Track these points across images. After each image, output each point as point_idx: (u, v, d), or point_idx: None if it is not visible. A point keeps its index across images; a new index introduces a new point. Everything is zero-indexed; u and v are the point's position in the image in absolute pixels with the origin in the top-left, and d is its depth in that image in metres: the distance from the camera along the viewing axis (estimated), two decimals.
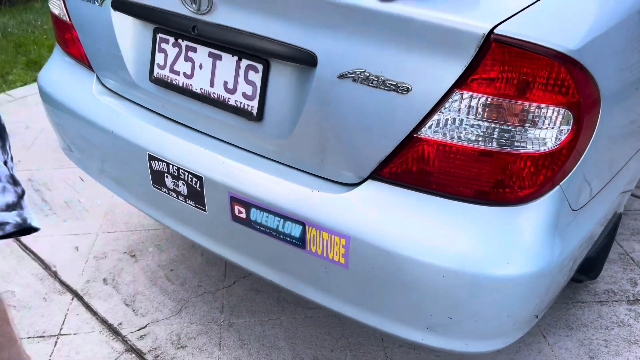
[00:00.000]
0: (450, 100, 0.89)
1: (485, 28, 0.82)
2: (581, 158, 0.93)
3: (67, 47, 1.51)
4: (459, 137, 0.92)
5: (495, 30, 0.82)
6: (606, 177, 1.11)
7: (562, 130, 0.88)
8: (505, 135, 0.90)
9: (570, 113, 0.87)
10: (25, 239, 2.01)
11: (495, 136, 0.90)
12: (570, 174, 0.93)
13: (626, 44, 0.96)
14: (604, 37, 0.90)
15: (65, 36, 1.49)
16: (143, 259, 1.93)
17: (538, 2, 0.89)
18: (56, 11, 1.48)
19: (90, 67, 1.46)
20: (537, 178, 0.91)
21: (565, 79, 0.84)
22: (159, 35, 1.24)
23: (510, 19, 0.84)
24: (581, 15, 0.90)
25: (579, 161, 0.93)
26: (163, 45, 1.24)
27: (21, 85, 3.29)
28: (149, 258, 1.93)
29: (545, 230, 0.94)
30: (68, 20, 1.43)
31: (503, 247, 0.93)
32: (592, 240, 1.18)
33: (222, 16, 1.09)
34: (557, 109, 0.86)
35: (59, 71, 1.55)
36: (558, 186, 0.93)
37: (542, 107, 0.86)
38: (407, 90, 0.91)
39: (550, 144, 0.89)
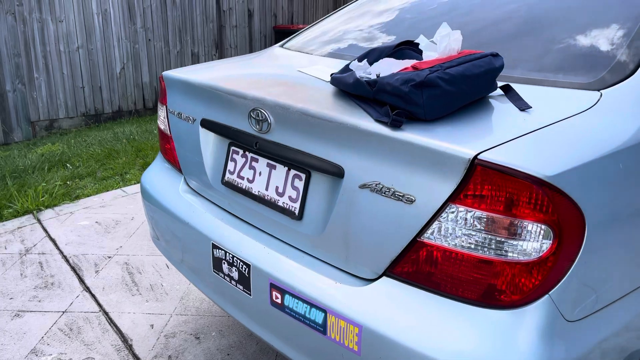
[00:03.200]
0: (446, 211, 1.05)
1: (470, 154, 1.00)
2: (569, 271, 1.02)
3: (166, 154, 1.88)
4: (455, 244, 1.06)
5: (479, 156, 0.99)
6: (618, 292, 1.16)
7: (544, 243, 0.99)
8: (497, 245, 1.02)
9: (549, 229, 0.98)
10: (112, 313, 2.31)
11: (486, 245, 1.03)
12: (558, 285, 1.02)
13: (618, 175, 1.08)
14: (590, 166, 1.03)
15: (166, 146, 1.86)
16: (206, 341, 2.12)
17: (529, 134, 1.05)
18: (162, 126, 1.87)
19: (180, 171, 1.79)
20: (525, 285, 1.01)
21: (542, 199, 0.97)
22: (232, 147, 1.54)
23: (495, 148, 1.01)
24: (567, 145, 1.04)
25: (567, 274, 1.02)
26: (234, 155, 1.54)
27: (134, 183, 3.84)
28: (211, 341, 2.12)
29: (538, 336, 1.01)
30: (169, 133, 1.81)
31: (497, 347, 1.02)
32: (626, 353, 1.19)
33: (278, 135, 1.37)
34: (538, 224, 0.99)
35: (157, 173, 1.91)
36: (547, 295, 1.01)
37: (525, 223, 0.99)
38: (412, 201, 1.09)
39: (534, 255, 1.00)
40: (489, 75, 1.18)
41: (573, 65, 1.36)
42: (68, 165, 4.15)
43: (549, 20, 1.51)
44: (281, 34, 7.42)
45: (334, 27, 2.12)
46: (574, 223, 1.00)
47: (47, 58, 5.37)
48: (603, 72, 1.29)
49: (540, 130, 1.07)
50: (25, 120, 5.29)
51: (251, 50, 7.47)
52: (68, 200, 3.48)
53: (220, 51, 7.04)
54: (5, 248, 2.88)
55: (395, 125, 1.10)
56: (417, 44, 1.37)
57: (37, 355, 2.05)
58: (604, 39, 1.40)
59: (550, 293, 1.02)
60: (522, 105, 1.17)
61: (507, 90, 1.25)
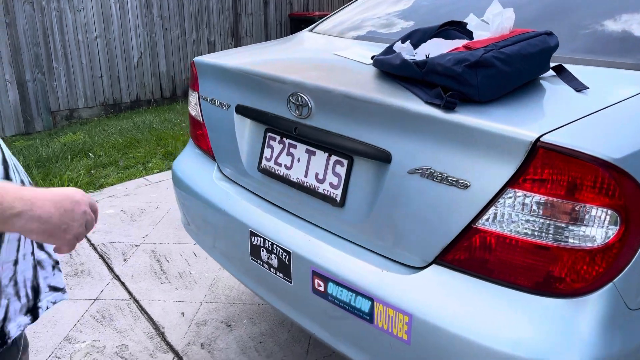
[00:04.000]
0: (504, 196, 1.01)
1: (532, 136, 0.95)
2: (634, 258, 0.97)
3: (197, 141, 1.86)
4: (513, 230, 1.02)
5: (541, 139, 0.95)
6: None
7: (610, 229, 0.95)
8: (557, 230, 0.98)
9: (616, 214, 0.94)
10: (142, 301, 2.31)
11: (546, 231, 0.99)
12: (623, 272, 0.98)
13: None
14: None
15: (197, 132, 1.83)
16: (237, 329, 2.11)
17: (590, 115, 1.01)
18: (193, 113, 1.85)
19: (213, 158, 1.77)
20: (588, 273, 0.97)
21: (610, 183, 0.93)
22: (269, 134, 1.51)
23: (557, 130, 0.96)
24: (631, 127, 1.00)
25: (632, 261, 0.97)
26: (271, 142, 1.51)
27: (157, 172, 3.84)
28: (242, 329, 2.11)
29: (600, 324, 0.98)
30: (201, 120, 1.78)
31: (556, 336, 0.98)
32: None
33: (318, 120, 1.33)
34: (603, 209, 0.94)
35: (189, 160, 1.89)
36: (611, 283, 0.97)
37: (590, 207, 0.95)
38: (466, 186, 1.05)
39: (599, 241, 0.96)
40: (545, 55, 1.13)
41: (625, 45, 1.31)
42: (90, 154, 4.16)
43: None
44: (297, 21, 7.34)
45: (363, 10, 2.07)
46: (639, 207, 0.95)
47: (66, 48, 5.37)
48: None
49: (602, 112, 1.02)
50: (45, 110, 5.31)
51: (267, 38, 7.42)
52: (92, 189, 3.49)
53: (236, 39, 7.00)
54: None
55: (449, 107, 1.05)
56: (462, 24, 1.33)
57: (70, 342, 2.06)
58: None
59: (614, 281, 0.98)
60: (578, 86, 1.13)
61: (560, 70, 1.20)
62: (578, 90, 1.12)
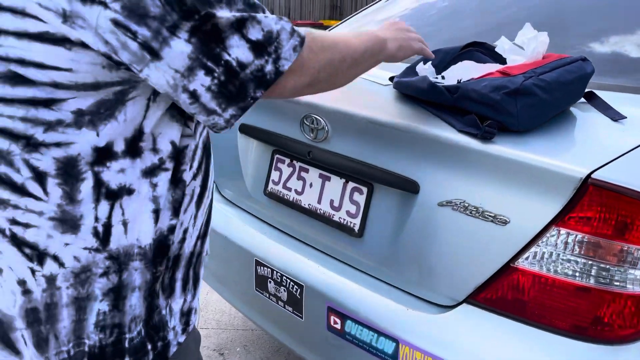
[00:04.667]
0: (547, 235, 0.94)
1: (582, 172, 0.89)
2: None
3: None
4: (556, 271, 0.95)
5: (592, 175, 0.89)
6: None
7: None
8: (604, 273, 0.92)
9: None
10: None
11: (593, 273, 0.92)
12: None
13: None
14: None
15: None
16: (230, 357, 2.00)
17: (637, 149, 0.95)
18: None
19: None
20: (637, 319, 0.91)
21: None
22: (277, 155, 1.42)
23: (607, 165, 0.90)
24: None
25: None
26: (279, 164, 1.41)
27: None
28: (236, 357, 2.00)
29: None
30: None
31: None
32: None
33: (335, 145, 1.25)
34: None
35: None
36: None
37: None
38: (505, 222, 0.98)
39: None
40: (582, 82, 1.07)
41: None
42: None
43: (619, 16, 1.41)
44: None
45: (370, 22, 2.00)
46: None
47: None
48: None
49: None
50: None
51: None
52: None
53: None
54: None
55: (487, 137, 0.98)
56: (484, 45, 1.26)
57: None
58: None
59: None
60: (615, 115, 1.07)
61: (591, 97, 1.15)
62: (615, 120, 1.06)
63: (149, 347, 0.83)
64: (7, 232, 0.74)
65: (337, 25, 2.09)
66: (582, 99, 1.16)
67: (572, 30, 1.48)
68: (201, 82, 0.70)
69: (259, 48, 0.72)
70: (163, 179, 0.78)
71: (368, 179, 1.20)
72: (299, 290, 1.29)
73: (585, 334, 0.95)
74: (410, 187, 1.11)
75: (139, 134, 0.75)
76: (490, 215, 0.99)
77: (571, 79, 1.04)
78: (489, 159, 0.99)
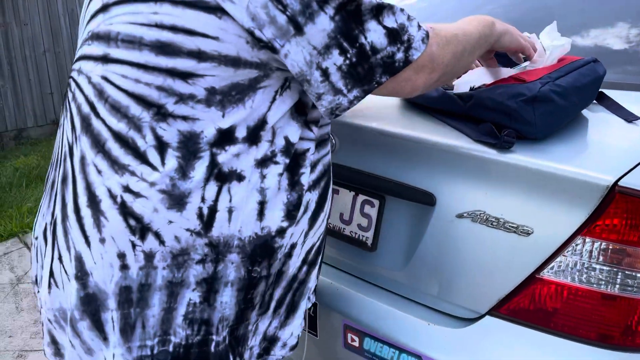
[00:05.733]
0: (573, 244, 0.92)
1: (609, 180, 0.87)
2: None
3: None
4: (582, 280, 0.94)
5: (619, 182, 0.87)
6: None
7: None
8: (631, 281, 0.90)
9: None
10: None
11: (621, 281, 0.91)
12: None
13: None
14: None
15: None
16: None
17: None
18: None
19: None
20: None
21: None
22: None
23: (632, 171, 0.88)
24: None
25: None
26: None
27: None
28: None
29: None
30: None
31: None
32: None
33: (344, 157, 1.21)
34: None
35: None
36: None
37: None
38: (528, 233, 0.95)
39: None
40: (595, 85, 1.06)
41: None
42: None
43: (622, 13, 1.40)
44: None
45: None
46: None
47: (12, 64, 5.01)
48: None
49: None
50: None
51: None
52: None
53: None
54: None
55: (506, 146, 0.96)
56: None
57: None
58: None
59: None
60: (628, 116, 1.06)
61: (602, 98, 1.14)
62: (629, 121, 1.05)
63: (231, 358, 0.82)
64: (119, 199, 0.74)
65: None
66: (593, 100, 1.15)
67: (571, 16, 1.47)
68: (334, 61, 0.73)
69: (393, 35, 0.75)
70: (273, 172, 0.79)
71: (379, 192, 1.17)
72: (312, 308, 1.25)
73: (614, 342, 0.94)
74: (425, 199, 1.08)
75: (261, 123, 0.77)
76: (512, 226, 0.97)
77: (586, 82, 1.02)
78: (509, 169, 0.96)
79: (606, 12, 1.45)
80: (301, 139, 0.83)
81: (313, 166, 0.86)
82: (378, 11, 0.74)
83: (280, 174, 0.80)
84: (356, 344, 1.18)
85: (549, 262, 0.95)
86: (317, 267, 0.95)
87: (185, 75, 0.71)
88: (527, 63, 1.09)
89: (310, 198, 0.87)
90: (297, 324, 0.94)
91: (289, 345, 0.93)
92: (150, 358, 0.78)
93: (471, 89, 1.06)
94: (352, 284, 1.23)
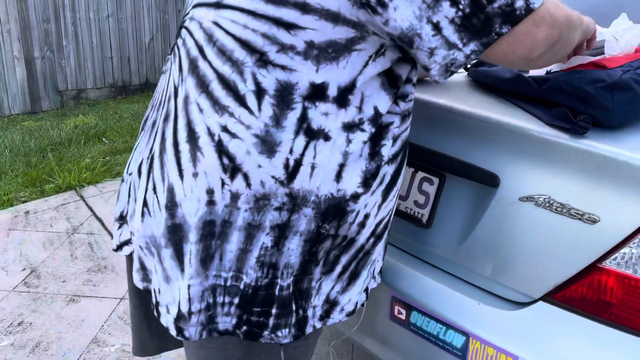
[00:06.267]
0: None
1: None
2: None
3: None
4: None
5: None
6: None
7: None
8: None
9: None
10: None
11: None
12: None
13: None
14: None
15: None
16: None
17: None
18: None
19: None
20: None
21: None
22: None
23: None
24: None
25: None
26: None
27: None
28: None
29: None
30: None
31: None
32: None
33: None
34: None
35: None
36: None
37: None
38: (594, 221, 0.94)
39: None
40: None
41: None
42: (104, 139, 4.02)
43: None
44: None
45: None
46: None
47: (77, 25, 5.19)
48: None
49: None
50: (53, 89, 5.14)
51: None
52: (109, 177, 3.36)
53: None
54: (51, 226, 2.76)
55: (580, 132, 0.95)
56: None
57: (99, 345, 1.95)
58: None
59: None
60: None
61: None
62: None
63: (294, 307, 0.86)
64: (216, 137, 0.79)
65: None
66: None
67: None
68: (445, 13, 0.71)
69: None
70: (358, 139, 0.81)
71: (440, 169, 1.17)
72: None
73: None
74: (489, 180, 1.08)
75: (351, 86, 0.78)
76: (578, 213, 0.96)
77: None
78: (581, 155, 0.95)
79: None
80: (388, 112, 0.84)
81: (394, 140, 0.87)
82: None
83: (365, 142, 0.82)
84: (403, 316, 1.20)
85: (613, 253, 0.94)
86: (382, 240, 0.97)
87: (288, 26, 0.74)
88: (611, 48, 1.06)
89: (387, 171, 0.89)
90: (356, 291, 0.96)
91: (346, 311, 0.96)
92: (223, 288, 0.82)
93: (548, 72, 1.04)
94: (403, 258, 1.24)
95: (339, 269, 0.91)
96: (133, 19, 5.63)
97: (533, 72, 1.07)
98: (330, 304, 0.93)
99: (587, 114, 0.97)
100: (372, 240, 0.93)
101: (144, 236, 0.89)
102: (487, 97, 1.15)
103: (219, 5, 0.79)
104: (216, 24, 0.79)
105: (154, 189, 0.85)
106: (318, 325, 0.91)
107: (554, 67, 1.05)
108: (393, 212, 0.98)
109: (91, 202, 3.04)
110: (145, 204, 0.88)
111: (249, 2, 0.75)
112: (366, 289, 1.03)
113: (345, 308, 0.96)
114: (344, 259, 0.91)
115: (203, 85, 0.80)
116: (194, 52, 0.82)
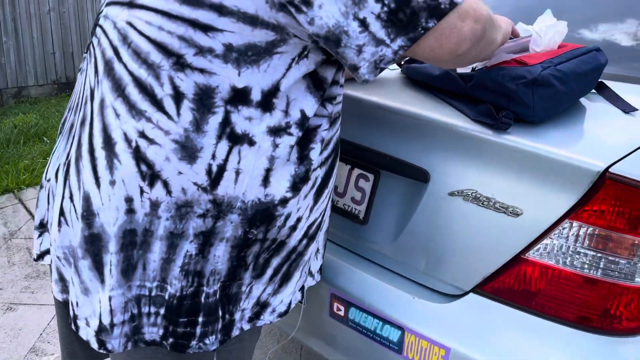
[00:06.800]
0: (560, 227, 0.94)
1: (600, 166, 0.88)
2: None
3: None
4: (566, 263, 0.96)
5: (610, 169, 0.88)
6: None
7: None
8: (614, 266, 0.93)
9: None
10: None
11: (604, 266, 0.93)
12: None
13: None
14: None
15: None
16: None
17: None
18: None
19: None
20: None
21: None
22: None
23: (624, 159, 0.90)
24: None
25: None
26: None
27: None
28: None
29: None
30: None
31: None
32: None
33: (340, 130, 1.22)
34: None
35: None
36: None
37: None
38: (517, 214, 0.97)
39: None
40: (596, 73, 1.06)
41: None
42: (45, 138, 3.86)
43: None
44: None
45: None
46: None
47: (17, 21, 4.95)
48: None
49: None
50: None
51: None
52: None
53: None
54: None
55: (503, 128, 0.97)
56: None
57: (38, 354, 1.87)
58: None
59: None
60: (625, 107, 1.07)
61: (601, 88, 1.14)
62: (626, 112, 1.06)
63: (220, 313, 0.84)
64: (134, 144, 0.76)
65: None
66: (593, 89, 1.16)
67: (574, 17, 1.47)
68: (371, 9, 0.70)
69: None
70: (285, 143, 0.80)
71: (375, 166, 1.18)
72: None
73: (593, 325, 0.96)
74: (420, 176, 1.09)
75: (274, 89, 0.77)
76: (502, 207, 0.99)
77: (587, 69, 1.03)
78: (504, 150, 0.98)
79: (610, 6, 1.45)
80: (315, 115, 0.83)
81: (323, 143, 0.87)
82: None
83: (292, 146, 0.81)
84: (342, 313, 1.20)
85: (536, 244, 0.97)
86: (315, 241, 0.96)
87: (206, 28, 0.72)
88: (524, 52, 1.09)
89: (318, 174, 0.88)
90: (288, 292, 0.96)
91: (277, 312, 0.96)
92: (148, 299, 0.80)
93: (473, 69, 1.07)
94: (342, 255, 1.25)
95: (269, 272, 0.90)
96: (76, 14, 5.42)
97: (460, 70, 1.09)
98: (261, 306, 0.92)
99: (510, 110, 0.99)
100: (304, 241, 0.93)
101: (61, 246, 0.85)
102: (419, 94, 1.17)
103: (131, 5, 0.76)
104: (130, 24, 0.76)
105: (71, 197, 0.82)
106: (246, 327, 0.90)
107: (479, 65, 1.08)
108: (327, 213, 0.98)
109: (30, 205, 2.92)
110: (62, 212, 0.84)
111: (163, 3, 0.73)
112: (302, 288, 1.02)
113: (277, 309, 0.95)
114: (274, 262, 0.90)
115: (119, 89, 0.77)
116: (109, 52, 0.79)
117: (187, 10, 0.72)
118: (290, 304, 0.98)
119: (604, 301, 0.94)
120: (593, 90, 1.15)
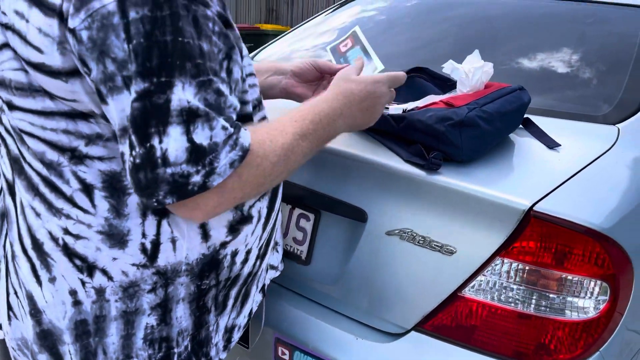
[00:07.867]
0: (492, 264, 0.96)
1: (525, 205, 0.91)
2: (619, 325, 0.97)
3: None
4: (501, 299, 0.98)
5: (534, 207, 0.91)
6: None
7: (599, 300, 0.94)
8: (545, 301, 0.95)
9: (606, 284, 0.93)
10: None
11: (535, 301, 0.95)
12: (608, 340, 0.96)
13: None
14: (635, 212, 0.99)
15: None
16: None
17: (572, 178, 0.99)
18: None
19: None
20: (576, 344, 0.95)
21: (599, 253, 0.91)
22: None
23: (547, 197, 0.93)
24: (613, 192, 0.99)
25: (617, 328, 0.97)
26: None
27: None
28: None
29: None
30: None
31: None
32: None
33: None
34: (594, 280, 0.93)
35: None
36: (598, 352, 0.96)
37: (579, 278, 0.93)
38: (452, 252, 0.99)
39: (589, 313, 0.94)
40: (520, 112, 1.11)
41: (580, 95, 1.33)
42: None
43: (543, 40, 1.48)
44: None
45: (305, 37, 1.99)
46: (627, 276, 0.95)
47: None
48: (613, 104, 1.27)
49: (581, 174, 1.01)
50: None
51: None
52: None
53: None
54: None
55: (433, 168, 0.99)
56: (425, 70, 1.28)
57: None
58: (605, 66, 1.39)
59: (601, 350, 0.96)
60: (550, 143, 1.11)
61: (528, 124, 1.19)
62: (550, 148, 1.10)
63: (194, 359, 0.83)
64: (60, 242, 0.74)
65: (280, 38, 2.06)
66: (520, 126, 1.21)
67: (500, 47, 1.54)
68: (123, 149, 0.65)
69: (196, 154, 0.62)
70: None
71: (315, 206, 1.19)
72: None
73: (528, 359, 0.98)
74: (358, 216, 1.10)
75: None
76: (437, 245, 1.00)
77: (511, 109, 1.07)
78: (435, 190, 1.00)
79: (541, 41, 1.53)
80: None
81: None
82: (191, 117, 0.61)
83: None
84: (286, 357, 1.18)
85: (470, 281, 0.99)
86: (268, 253, 0.97)
87: (85, 116, 0.69)
88: (454, 92, 1.13)
89: (260, 206, 0.87)
90: (248, 307, 0.97)
91: (243, 326, 0.98)
92: None
93: (404, 111, 1.09)
94: (286, 297, 1.23)
95: (231, 302, 0.90)
96: None
97: (392, 110, 1.11)
98: (230, 331, 0.93)
99: (440, 150, 1.02)
100: (258, 262, 0.93)
101: (14, 339, 0.82)
102: (355, 134, 1.18)
103: (10, 107, 0.73)
104: (18, 127, 0.73)
105: (15, 293, 0.80)
106: (223, 356, 0.91)
107: (410, 105, 1.10)
108: (276, 225, 0.97)
109: None
110: (10, 307, 0.82)
111: (34, 102, 0.69)
112: (262, 288, 1.03)
113: (242, 325, 0.97)
114: (233, 293, 0.90)
115: (34, 188, 0.74)
116: (15, 151, 0.76)
117: (60, 105, 0.69)
118: (251, 311, 1.00)
119: (538, 336, 0.97)
120: (520, 126, 1.20)
